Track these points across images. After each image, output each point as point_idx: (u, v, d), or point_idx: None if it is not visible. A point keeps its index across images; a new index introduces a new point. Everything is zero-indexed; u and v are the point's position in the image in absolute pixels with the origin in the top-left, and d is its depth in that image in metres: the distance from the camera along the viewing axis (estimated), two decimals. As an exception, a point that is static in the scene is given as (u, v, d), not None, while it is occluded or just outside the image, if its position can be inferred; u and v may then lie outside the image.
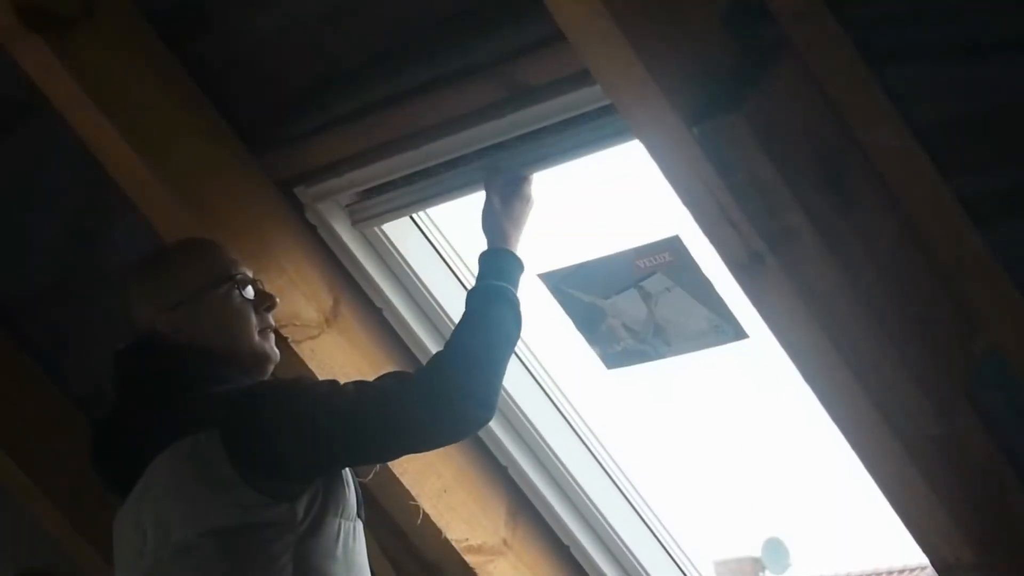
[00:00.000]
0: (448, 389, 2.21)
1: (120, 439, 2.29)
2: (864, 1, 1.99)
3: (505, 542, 3.00)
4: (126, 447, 2.26)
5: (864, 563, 3.19)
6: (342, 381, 2.26)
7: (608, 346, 2.65)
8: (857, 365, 2.09)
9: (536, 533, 3.07)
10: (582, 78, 2.35)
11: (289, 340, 2.75)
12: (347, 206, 2.79)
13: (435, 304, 2.88)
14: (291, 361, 2.76)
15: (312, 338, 2.80)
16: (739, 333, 2.48)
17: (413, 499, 2.90)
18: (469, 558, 2.92)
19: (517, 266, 2.42)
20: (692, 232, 2.38)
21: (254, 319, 2.37)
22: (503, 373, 2.29)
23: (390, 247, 2.83)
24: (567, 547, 3.08)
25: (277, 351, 2.40)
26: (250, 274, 2.41)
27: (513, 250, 2.43)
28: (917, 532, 2.30)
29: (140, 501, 2.23)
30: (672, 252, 2.43)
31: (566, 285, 2.59)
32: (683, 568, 3.11)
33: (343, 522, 2.22)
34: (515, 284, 2.39)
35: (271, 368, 2.39)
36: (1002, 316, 2.16)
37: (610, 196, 2.87)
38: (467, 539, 2.93)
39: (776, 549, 3.13)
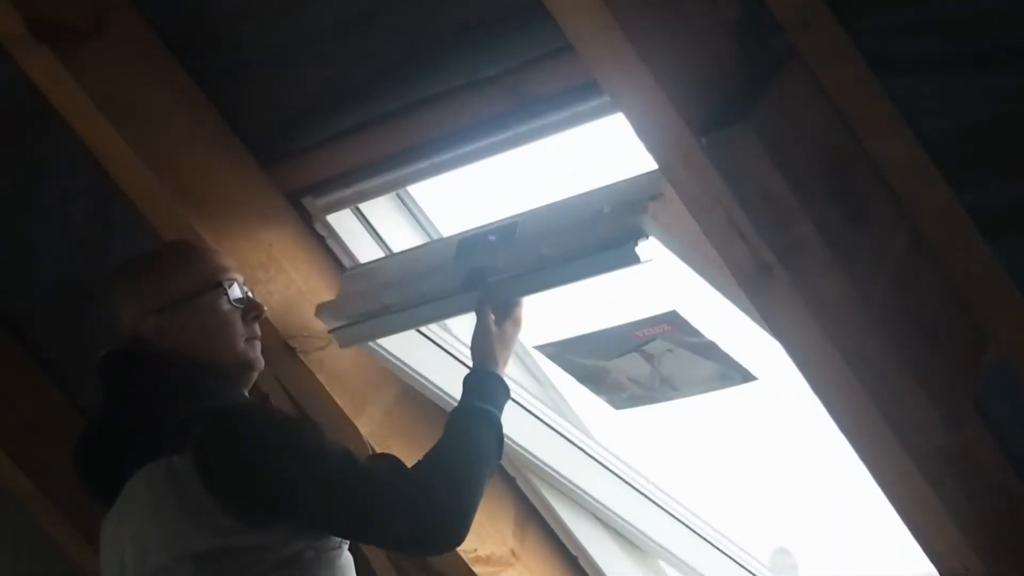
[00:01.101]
0: (432, 502, 2.15)
1: (101, 450, 2.26)
2: (872, 12, 1.99)
3: (513, 552, 3.00)
4: (107, 459, 2.24)
5: (872, 572, 3.18)
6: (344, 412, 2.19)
7: (615, 394, 2.65)
8: (866, 376, 2.08)
9: (544, 544, 3.07)
10: (589, 89, 2.36)
11: (298, 351, 2.75)
12: (331, 331, 2.75)
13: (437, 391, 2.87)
14: (299, 372, 2.76)
15: (320, 348, 2.80)
16: (747, 376, 2.48)
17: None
18: (477, 569, 2.92)
19: (503, 391, 2.39)
20: (688, 302, 2.39)
21: (241, 327, 2.32)
22: (480, 497, 2.24)
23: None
24: (575, 557, 3.08)
25: (262, 360, 2.36)
26: (240, 280, 2.37)
27: (500, 373, 2.40)
28: (925, 542, 2.30)
29: (119, 517, 2.21)
30: (671, 323, 2.43)
31: (566, 353, 2.59)
32: (736, 558, 3.11)
33: (324, 543, 2.18)
34: (499, 408, 2.36)
35: (255, 376, 2.35)
36: (1011, 327, 2.16)
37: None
38: (475, 550, 2.92)
39: (784, 559, 3.12)
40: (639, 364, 2.52)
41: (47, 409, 3.41)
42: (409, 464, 2.20)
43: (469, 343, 2.48)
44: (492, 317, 2.47)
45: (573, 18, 1.99)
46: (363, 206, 2.84)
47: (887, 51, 2.02)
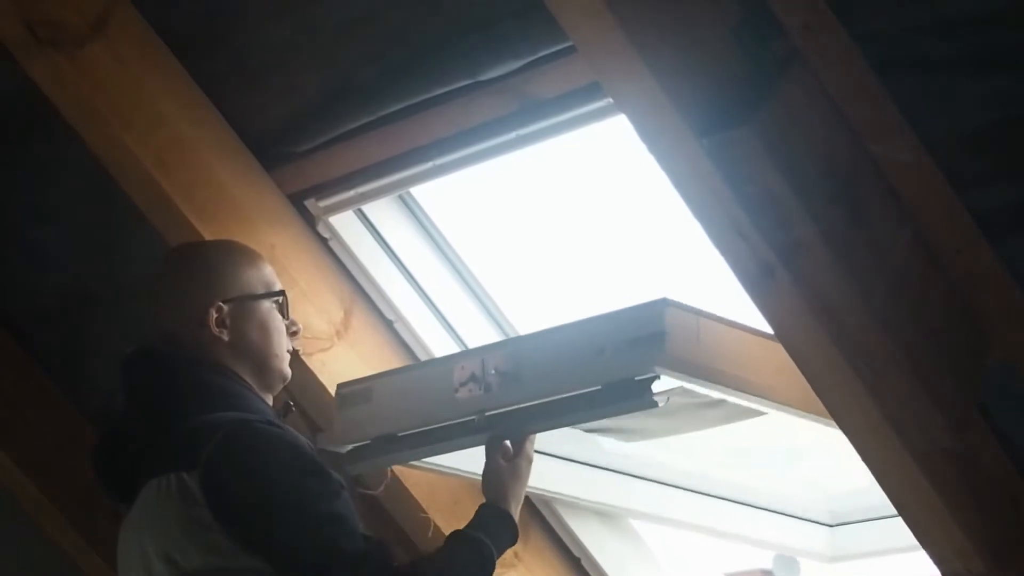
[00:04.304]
0: None
1: (120, 453, 2.26)
2: (875, 14, 1.99)
3: (516, 554, 2.99)
4: (125, 461, 2.24)
5: (875, 574, 3.18)
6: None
7: None
8: (868, 378, 2.09)
9: (546, 543, 3.06)
10: (592, 91, 2.36)
11: (300, 353, 2.75)
12: (347, 451, 2.69)
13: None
14: (302, 374, 2.76)
15: (323, 350, 2.81)
16: None
17: (424, 511, 2.90)
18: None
19: (509, 534, 2.34)
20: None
21: (287, 339, 2.36)
22: None
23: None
24: (578, 559, 3.07)
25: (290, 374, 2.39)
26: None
27: (512, 513, 2.36)
28: (928, 544, 2.30)
29: (130, 523, 2.23)
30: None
31: None
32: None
33: None
34: (500, 548, 2.31)
35: (280, 388, 2.37)
36: (1014, 328, 2.16)
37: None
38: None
39: (786, 561, 3.12)
40: None
41: (50, 412, 3.41)
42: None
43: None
44: (504, 452, 2.43)
45: (576, 20, 1.99)
46: (366, 208, 2.84)
47: (890, 53, 2.02)
